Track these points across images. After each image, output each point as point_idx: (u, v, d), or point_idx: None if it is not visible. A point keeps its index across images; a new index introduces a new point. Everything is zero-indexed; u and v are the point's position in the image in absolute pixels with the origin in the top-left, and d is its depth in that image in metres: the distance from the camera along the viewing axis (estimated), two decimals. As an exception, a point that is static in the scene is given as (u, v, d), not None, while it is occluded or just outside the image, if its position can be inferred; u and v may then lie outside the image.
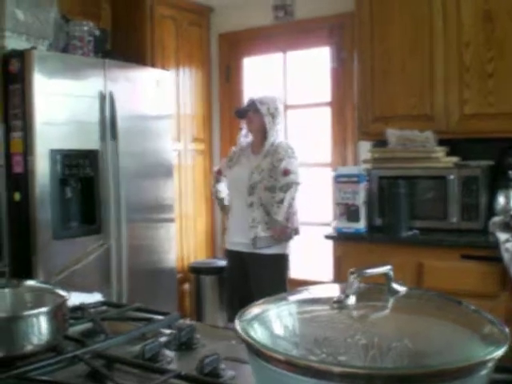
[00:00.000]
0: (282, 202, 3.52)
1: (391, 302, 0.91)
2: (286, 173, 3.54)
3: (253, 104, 3.69)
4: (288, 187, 3.53)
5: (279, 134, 3.73)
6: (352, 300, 0.85)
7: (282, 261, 3.69)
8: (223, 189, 3.90)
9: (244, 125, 3.86)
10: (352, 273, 0.85)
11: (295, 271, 4.78)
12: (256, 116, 3.67)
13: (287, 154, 3.60)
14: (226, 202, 3.90)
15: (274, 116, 3.64)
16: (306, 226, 4.77)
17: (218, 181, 3.93)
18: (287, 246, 3.72)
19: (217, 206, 5.05)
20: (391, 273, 0.90)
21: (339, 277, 3.60)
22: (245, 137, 3.85)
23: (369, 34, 3.81)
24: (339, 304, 0.85)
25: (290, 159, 3.59)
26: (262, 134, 3.68)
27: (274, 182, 3.57)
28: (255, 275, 3.64)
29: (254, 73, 5.04)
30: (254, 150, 3.75)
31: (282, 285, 3.63)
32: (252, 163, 3.68)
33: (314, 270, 4.66)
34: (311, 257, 4.75)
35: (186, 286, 4.78)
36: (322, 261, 4.30)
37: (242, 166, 3.74)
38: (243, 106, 3.86)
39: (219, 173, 3.94)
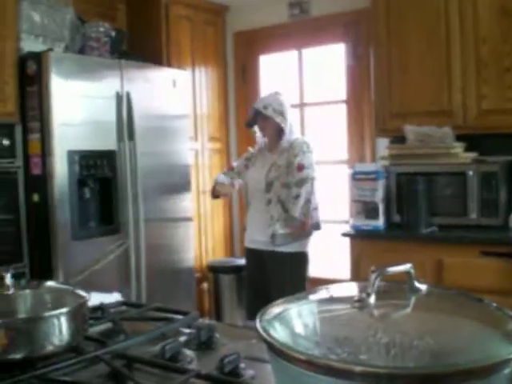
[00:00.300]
0: (297, 197, 3.50)
1: (412, 300, 0.90)
2: (301, 168, 3.52)
3: (257, 112, 3.65)
4: (303, 182, 3.51)
5: (294, 129, 3.70)
6: (373, 299, 0.84)
7: (301, 259, 3.65)
8: (222, 179, 3.87)
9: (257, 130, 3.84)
10: (373, 271, 0.84)
11: (313, 269, 4.77)
12: (266, 122, 3.63)
13: (302, 149, 3.57)
14: (223, 190, 3.88)
15: (282, 113, 3.59)
16: (323, 223, 4.77)
17: (223, 172, 3.97)
18: (307, 244, 3.68)
19: (235, 205, 5.07)
20: (412, 271, 0.89)
21: (357, 275, 3.59)
22: (262, 137, 3.82)
23: (385, 30, 3.79)
24: (360, 303, 0.85)
25: (304, 154, 3.55)
26: (277, 133, 3.65)
27: (290, 179, 3.55)
28: (274, 273, 3.62)
29: (269, 71, 5.03)
30: (270, 149, 3.73)
31: (301, 283, 3.60)
32: (269, 161, 3.66)
33: (331, 268, 4.64)
34: (329, 255, 4.74)
35: (205, 286, 4.78)
36: (340, 259, 4.28)
37: (260, 164, 3.72)
38: (249, 116, 3.81)
39: (230, 168, 3.97)
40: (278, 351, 0.72)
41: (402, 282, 0.94)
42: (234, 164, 3.99)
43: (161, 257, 4.09)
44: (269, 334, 0.75)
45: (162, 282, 4.00)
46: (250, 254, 3.79)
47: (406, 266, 0.88)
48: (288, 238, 3.56)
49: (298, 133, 3.80)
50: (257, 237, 3.67)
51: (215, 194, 3.86)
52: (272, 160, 3.64)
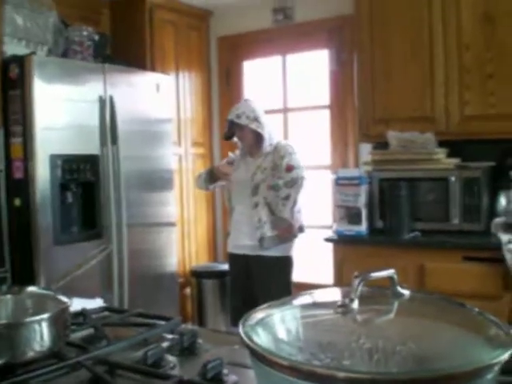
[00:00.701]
0: (287, 198, 3.51)
1: (395, 305, 0.90)
2: (290, 168, 3.53)
3: (233, 123, 3.65)
4: (293, 182, 3.52)
5: (274, 134, 3.72)
6: (356, 304, 0.84)
7: (286, 263, 3.67)
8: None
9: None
10: (356, 277, 0.84)
11: (296, 274, 4.77)
12: (243, 131, 3.64)
13: (288, 151, 3.59)
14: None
15: (256, 118, 3.59)
16: (306, 228, 4.77)
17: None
18: (291, 248, 3.70)
19: (218, 210, 5.06)
20: (395, 276, 0.90)
21: (340, 280, 3.59)
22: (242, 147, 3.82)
23: (368, 36, 3.81)
24: (343, 308, 0.84)
25: (291, 155, 3.57)
26: (256, 139, 3.65)
27: (277, 181, 3.54)
28: (260, 278, 3.62)
29: (253, 76, 5.04)
30: (252, 154, 3.72)
31: (286, 287, 3.62)
32: (253, 164, 3.66)
33: (314, 272, 4.65)
34: (311, 260, 4.74)
35: (188, 291, 4.77)
36: (323, 264, 4.29)
37: (243, 168, 3.71)
38: (225, 129, 3.80)
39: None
40: (260, 357, 0.72)
41: (384, 287, 0.94)
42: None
43: (143, 262, 4.07)
44: (251, 340, 0.75)
45: (144, 288, 3.98)
46: (235, 259, 3.77)
47: (389, 272, 0.89)
48: (276, 240, 3.56)
49: (278, 136, 3.83)
50: (242, 241, 3.66)
51: (214, 176, 3.83)
52: (256, 163, 3.64)
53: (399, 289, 0.91)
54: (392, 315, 0.90)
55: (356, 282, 0.84)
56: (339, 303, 0.85)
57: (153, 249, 4.16)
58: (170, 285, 4.31)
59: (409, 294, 0.92)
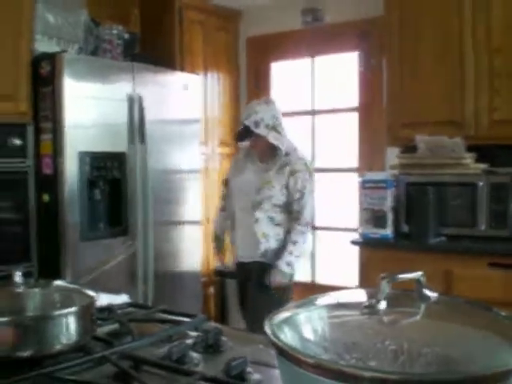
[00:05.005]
0: (295, 243, 3.31)
1: (422, 308, 0.90)
2: (302, 197, 3.33)
3: (248, 130, 3.31)
4: (304, 207, 3.32)
5: (290, 143, 3.44)
6: (383, 305, 0.84)
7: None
8: (222, 223, 3.69)
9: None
10: (383, 278, 0.84)
11: (320, 276, 4.78)
12: (258, 140, 3.34)
13: (304, 177, 3.34)
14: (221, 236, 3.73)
15: (275, 127, 3.30)
16: (331, 231, 4.77)
17: (222, 208, 3.72)
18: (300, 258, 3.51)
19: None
20: (422, 279, 0.89)
21: (365, 282, 3.58)
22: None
23: (398, 39, 3.79)
24: (370, 309, 0.84)
25: (306, 181, 3.34)
26: (271, 150, 3.37)
27: (284, 200, 3.33)
28: (260, 281, 3.38)
29: (282, 77, 5.04)
30: (261, 159, 3.44)
31: (287, 292, 3.42)
32: (261, 176, 3.38)
33: (339, 275, 4.64)
34: (336, 262, 4.74)
35: (211, 290, 4.78)
36: (348, 266, 4.28)
37: (250, 176, 3.44)
38: (238, 131, 3.47)
39: (226, 183, 3.70)
40: (287, 355, 0.72)
41: (413, 290, 0.94)
42: (226, 178, 3.74)
43: (168, 260, 4.09)
44: (278, 338, 0.75)
45: (168, 285, 4.00)
46: (242, 266, 3.55)
47: (416, 274, 0.88)
48: (280, 253, 3.34)
49: (293, 144, 3.48)
50: (248, 253, 3.45)
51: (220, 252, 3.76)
52: (266, 177, 3.36)
53: (426, 291, 0.90)
54: (418, 318, 0.90)
55: (383, 283, 0.84)
56: (366, 304, 0.85)
57: (177, 247, 4.18)
58: (194, 283, 4.32)
59: (435, 296, 0.92)
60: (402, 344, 0.79)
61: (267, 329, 0.78)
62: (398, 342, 0.80)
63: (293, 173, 3.32)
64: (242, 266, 3.53)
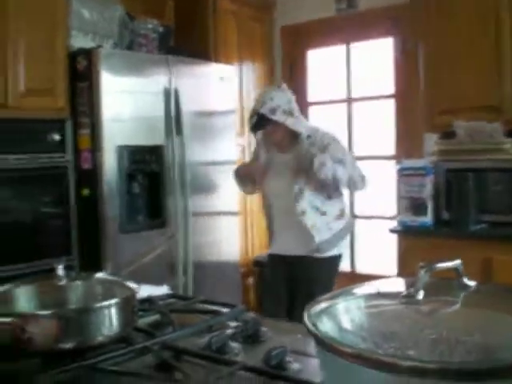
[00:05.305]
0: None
1: (461, 296, 0.89)
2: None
3: (264, 118, 3.10)
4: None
5: (305, 122, 3.29)
6: (421, 294, 0.84)
7: (337, 262, 3.32)
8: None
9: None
10: (422, 267, 0.84)
11: (359, 265, 4.76)
12: (276, 128, 3.14)
13: (330, 139, 3.17)
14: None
15: (292, 112, 3.14)
16: (369, 219, 4.74)
17: None
18: (346, 244, 3.45)
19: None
20: (461, 267, 0.89)
21: (404, 271, 3.56)
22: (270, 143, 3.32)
23: (434, 23, 3.74)
24: (408, 298, 0.84)
25: (336, 143, 3.16)
26: (290, 136, 3.20)
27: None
28: (307, 278, 3.22)
29: (317, 66, 5.01)
30: (281, 149, 3.26)
31: (330, 287, 3.21)
32: (286, 166, 3.20)
33: (378, 264, 4.61)
34: (374, 251, 4.71)
35: (250, 280, 4.80)
36: (386, 255, 4.25)
37: (277, 170, 3.25)
38: (253, 120, 3.19)
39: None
40: (326, 345, 0.72)
41: (452, 279, 0.93)
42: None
43: (207, 251, 4.12)
44: (317, 328, 0.75)
45: (207, 276, 4.03)
46: (279, 260, 3.36)
47: (455, 263, 0.88)
48: (334, 240, 3.21)
49: (313, 125, 3.37)
50: (294, 251, 3.25)
51: (242, 173, 3.41)
52: (291, 165, 3.19)
53: (465, 280, 0.90)
54: (457, 306, 0.90)
55: (421, 272, 0.84)
56: (404, 293, 0.85)
57: (216, 238, 4.20)
58: (233, 274, 4.34)
59: (474, 285, 0.91)
60: (440, 333, 0.79)
61: (306, 319, 0.78)
62: (437, 330, 0.79)
63: (323, 149, 3.10)
64: (280, 260, 3.34)
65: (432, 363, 0.69)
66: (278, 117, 3.07)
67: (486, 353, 0.76)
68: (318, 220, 3.16)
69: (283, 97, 3.15)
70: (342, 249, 3.37)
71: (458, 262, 0.88)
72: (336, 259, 3.30)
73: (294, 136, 3.18)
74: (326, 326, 0.78)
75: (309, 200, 3.15)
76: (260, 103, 3.15)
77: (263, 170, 3.28)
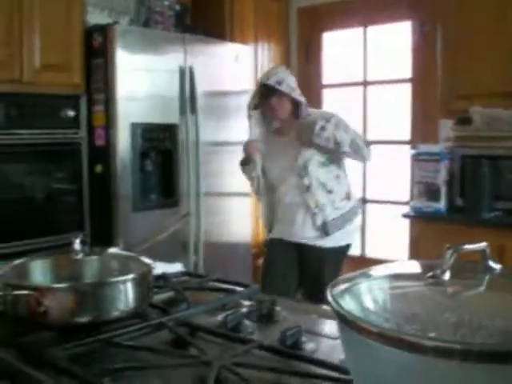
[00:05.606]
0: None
1: (485, 279, 0.88)
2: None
3: (270, 89, 3.01)
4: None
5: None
6: (447, 275, 0.83)
7: (345, 252, 3.23)
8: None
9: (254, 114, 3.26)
10: (449, 248, 0.83)
11: (369, 249, 4.75)
12: (281, 100, 3.04)
13: (330, 114, 3.06)
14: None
15: (295, 89, 3.06)
16: (381, 204, 4.73)
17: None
18: (356, 233, 3.36)
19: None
20: (488, 250, 0.87)
21: (415, 256, 3.55)
22: (273, 119, 3.17)
23: (452, 7, 3.69)
24: (434, 279, 0.83)
25: (336, 117, 3.02)
26: (291, 112, 3.10)
27: (326, 155, 3.06)
28: (314, 270, 3.16)
29: (333, 48, 4.97)
30: (284, 131, 3.16)
31: (338, 274, 3.06)
32: (291, 143, 3.10)
33: (389, 249, 4.60)
34: (386, 236, 4.70)
35: (261, 261, 4.79)
36: (397, 240, 4.23)
37: (279, 152, 3.16)
38: (255, 95, 3.13)
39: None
40: (350, 323, 0.72)
41: (475, 262, 0.92)
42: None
43: (218, 230, 4.12)
44: (340, 306, 0.74)
45: (218, 256, 4.03)
46: (282, 245, 3.23)
47: (481, 245, 0.87)
48: (339, 221, 3.10)
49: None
50: (297, 230, 3.14)
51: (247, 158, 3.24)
52: (293, 143, 3.09)
53: (490, 263, 0.88)
54: (481, 289, 0.88)
55: (448, 253, 0.82)
56: (430, 274, 0.84)
57: (228, 218, 4.20)
58: (244, 255, 4.35)
59: (500, 268, 0.89)
60: (462, 316, 0.78)
61: (329, 297, 0.77)
62: (459, 313, 0.78)
63: (324, 117, 3.00)
64: (283, 246, 3.22)
65: (456, 343, 0.68)
66: (285, 87, 3.00)
67: (508, 337, 0.75)
68: (324, 198, 3.06)
69: (289, 75, 3.10)
70: (352, 237, 3.26)
71: (484, 244, 0.87)
72: (344, 249, 3.21)
73: (295, 116, 3.10)
74: (348, 305, 0.77)
75: (315, 176, 3.05)
76: (266, 76, 3.10)
77: (257, 145, 3.18)
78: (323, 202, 3.05)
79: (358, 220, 3.25)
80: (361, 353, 0.73)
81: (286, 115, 3.09)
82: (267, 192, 3.31)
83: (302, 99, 3.07)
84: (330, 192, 3.07)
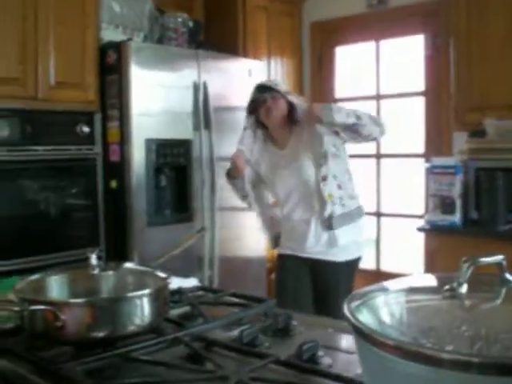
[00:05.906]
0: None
1: (502, 292, 0.88)
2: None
3: (266, 89, 3.00)
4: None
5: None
6: (464, 288, 0.83)
7: (356, 266, 3.17)
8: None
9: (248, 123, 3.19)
10: (465, 261, 0.83)
11: (385, 263, 4.73)
12: (277, 100, 2.99)
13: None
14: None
15: (291, 94, 3.08)
16: (395, 217, 4.71)
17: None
18: (363, 245, 3.24)
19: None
20: (504, 262, 0.87)
21: (430, 269, 3.52)
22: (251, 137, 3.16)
23: (465, 20, 3.69)
24: (451, 292, 0.83)
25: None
26: (286, 116, 3.04)
27: (337, 144, 3.02)
28: (326, 285, 3.09)
29: (346, 62, 4.98)
30: (283, 143, 3.10)
31: (350, 291, 2.84)
32: (293, 154, 3.04)
33: (403, 262, 4.58)
34: (401, 249, 4.68)
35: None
36: (412, 253, 4.22)
37: (283, 165, 3.08)
38: (254, 97, 3.06)
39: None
40: (367, 337, 0.72)
41: (492, 274, 0.91)
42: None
43: (233, 245, 4.12)
44: (358, 320, 0.74)
45: (233, 271, 4.03)
46: (295, 261, 3.12)
47: (498, 258, 0.86)
48: (345, 219, 3.03)
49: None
50: (310, 246, 3.06)
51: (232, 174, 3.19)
52: (304, 136, 3.03)
53: (507, 276, 0.88)
54: (498, 302, 0.88)
55: (465, 266, 0.82)
56: (447, 287, 0.84)
57: (242, 233, 4.20)
58: (259, 269, 4.34)
59: (516, 281, 0.89)
60: (479, 329, 0.78)
61: (346, 311, 0.78)
62: (476, 327, 0.78)
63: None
64: (296, 262, 3.10)
65: (474, 356, 0.68)
66: (280, 88, 3.01)
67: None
68: (336, 192, 3.00)
69: (283, 84, 3.19)
70: (361, 250, 3.20)
71: (500, 257, 0.86)
72: (356, 263, 3.16)
73: (291, 122, 3.06)
74: (365, 319, 0.77)
75: (332, 167, 2.99)
76: (259, 84, 3.10)
77: (243, 162, 3.09)
78: (334, 196, 2.99)
79: (362, 221, 3.17)
80: (377, 366, 0.73)
81: (282, 117, 3.02)
82: (267, 206, 3.33)
83: (297, 100, 3.05)
84: (339, 187, 3.02)
